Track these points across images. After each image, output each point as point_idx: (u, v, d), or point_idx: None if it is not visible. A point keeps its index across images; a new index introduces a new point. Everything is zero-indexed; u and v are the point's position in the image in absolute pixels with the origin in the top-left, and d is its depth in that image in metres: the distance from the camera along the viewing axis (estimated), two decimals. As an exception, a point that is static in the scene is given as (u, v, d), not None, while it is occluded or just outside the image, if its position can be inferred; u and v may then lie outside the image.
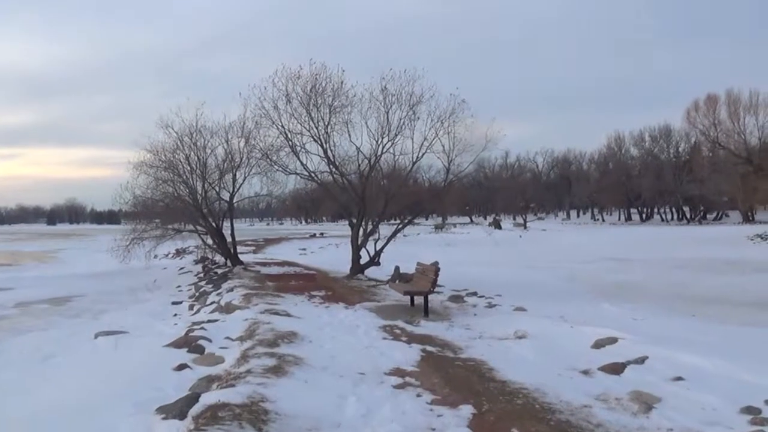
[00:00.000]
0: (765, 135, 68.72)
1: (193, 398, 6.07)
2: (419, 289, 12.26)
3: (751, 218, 71.16)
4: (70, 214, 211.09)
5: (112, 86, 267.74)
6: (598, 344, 8.81)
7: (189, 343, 9.03)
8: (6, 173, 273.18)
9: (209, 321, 11.12)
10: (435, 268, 11.97)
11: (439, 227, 55.50)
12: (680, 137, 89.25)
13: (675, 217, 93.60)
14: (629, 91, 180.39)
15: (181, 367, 7.85)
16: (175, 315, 14.11)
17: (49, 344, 10.83)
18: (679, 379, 6.85)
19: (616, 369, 7.58)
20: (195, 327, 10.34)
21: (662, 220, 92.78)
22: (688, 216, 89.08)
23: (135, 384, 7.14)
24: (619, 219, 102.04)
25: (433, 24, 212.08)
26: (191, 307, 15.09)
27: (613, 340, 8.81)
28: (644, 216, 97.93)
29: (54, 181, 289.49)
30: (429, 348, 8.82)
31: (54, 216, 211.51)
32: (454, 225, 62.78)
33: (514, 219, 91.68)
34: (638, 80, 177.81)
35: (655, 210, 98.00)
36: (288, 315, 11.41)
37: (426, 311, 11.78)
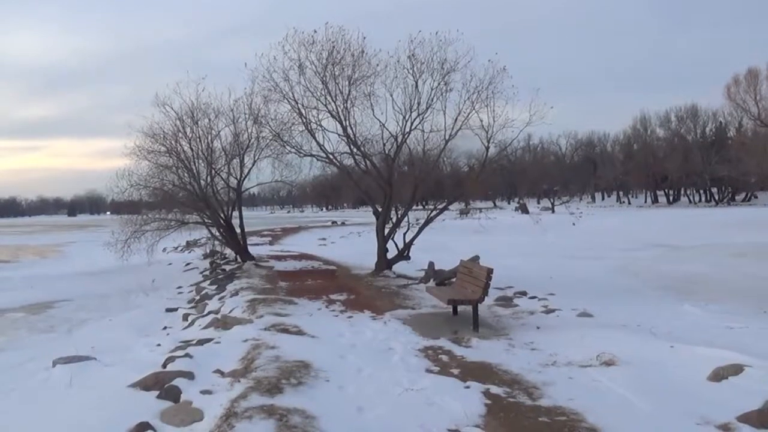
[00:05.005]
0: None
1: None
2: (466, 297, 9.61)
3: (782, 199, 68.02)
4: (90, 205, 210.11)
5: (130, 76, 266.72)
6: (718, 375, 6.41)
7: (162, 382, 6.58)
8: (28, 165, 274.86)
9: (199, 342, 8.63)
10: (487, 270, 9.28)
11: (464, 212, 52.78)
12: (707, 117, 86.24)
13: (703, 198, 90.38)
14: (654, 70, 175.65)
15: (141, 428, 5.45)
16: (165, 328, 11.68)
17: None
18: None
19: (764, 421, 5.17)
20: (178, 353, 7.86)
21: (690, 201, 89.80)
22: (716, 197, 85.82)
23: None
24: (645, 201, 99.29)
25: (447, 7, 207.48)
26: (185, 317, 12.56)
27: (737, 369, 6.40)
28: (671, 198, 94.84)
29: (75, 172, 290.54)
30: (493, 389, 6.27)
31: (74, 207, 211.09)
32: (480, 210, 59.84)
33: (539, 203, 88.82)
34: (663, 60, 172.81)
35: (682, 192, 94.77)
36: (300, 332, 8.94)
37: (476, 325, 9.22)
